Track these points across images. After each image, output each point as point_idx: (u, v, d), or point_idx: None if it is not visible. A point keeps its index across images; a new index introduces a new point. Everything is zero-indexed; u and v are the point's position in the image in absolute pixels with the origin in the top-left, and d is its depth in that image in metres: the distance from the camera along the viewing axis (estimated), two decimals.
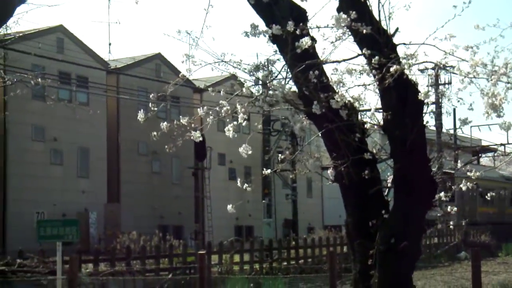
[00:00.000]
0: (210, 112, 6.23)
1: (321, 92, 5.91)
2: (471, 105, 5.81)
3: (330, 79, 6.15)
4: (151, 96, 6.30)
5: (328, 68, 6.29)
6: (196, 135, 6.32)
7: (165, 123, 6.25)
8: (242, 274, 18.59)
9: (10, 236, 30.86)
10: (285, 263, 22.36)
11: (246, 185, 6.77)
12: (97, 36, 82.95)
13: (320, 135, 6.43)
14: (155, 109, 6.24)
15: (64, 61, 30.57)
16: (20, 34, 20.05)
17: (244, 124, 6.21)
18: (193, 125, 6.34)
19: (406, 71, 5.76)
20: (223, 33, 49.76)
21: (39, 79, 7.04)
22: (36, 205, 31.45)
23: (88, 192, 34.35)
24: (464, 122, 5.92)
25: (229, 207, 6.69)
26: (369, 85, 6.06)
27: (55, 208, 32.01)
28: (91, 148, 35.00)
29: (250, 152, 6.28)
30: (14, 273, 15.83)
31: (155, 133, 6.35)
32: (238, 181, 6.77)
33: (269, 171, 7.64)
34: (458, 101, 5.85)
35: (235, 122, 6.23)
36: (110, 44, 48.17)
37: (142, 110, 6.33)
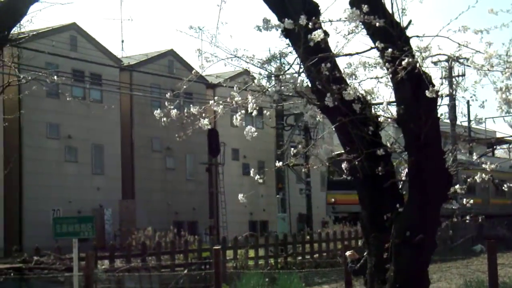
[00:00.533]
0: (221, 102, 6.22)
1: (333, 85, 5.90)
2: (483, 102, 5.78)
3: (343, 72, 6.14)
4: (167, 95, 6.29)
5: (341, 62, 6.28)
6: (204, 123, 6.28)
7: (175, 110, 6.24)
8: (257, 269, 18.61)
9: (26, 234, 31.11)
10: (300, 258, 22.37)
11: (258, 176, 6.78)
12: (110, 33, 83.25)
13: (333, 129, 6.41)
14: (171, 107, 6.23)
15: (77, 59, 30.72)
16: (34, 33, 20.15)
17: (254, 114, 6.19)
18: (204, 115, 6.33)
19: (420, 64, 5.73)
20: (236, 29, 49.74)
21: (55, 77, 7.09)
22: (51, 202, 31.68)
23: (103, 189, 34.52)
24: (479, 121, 5.92)
25: (240, 196, 6.67)
26: (381, 77, 6.04)
27: (71, 205, 32.22)
28: (105, 145, 35.17)
29: (255, 135, 6.25)
30: (31, 270, 15.96)
31: (164, 118, 6.32)
32: (252, 172, 6.79)
33: (281, 163, 7.63)
34: (471, 97, 5.83)
35: (243, 111, 6.20)
36: (123, 41, 48.51)
37: (158, 109, 6.33)
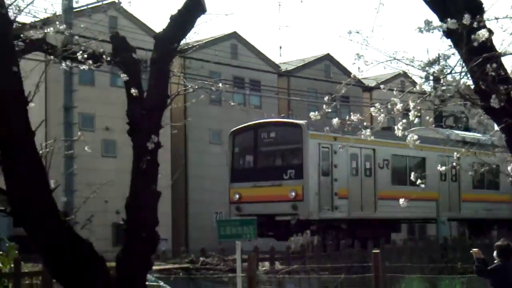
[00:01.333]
0: (381, 110, 6.22)
1: (499, 85, 5.71)
2: None
3: (509, 72, 5.93)
4: (325, 98, 6.41)
5: (506, 61, 6.07)
6: (367, 134, 6.33)
7: (336, 119, 6.34)
8: (417, 274, 18.22)
9: (191, 235, 32.55)
10: (461, 263, 21.60)
11: (419, 181, 6.72)
12: (268, 40, 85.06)
13: (499, 130, 6.20)
14: (328, 110, 6.34)
15: (238, 66, 31.68)
16: (199, 43, 21.16)
17: (416, 122, 6.14)
18: (365, 123, 6.37)
19: None
20: (392, 31, 49.02)
21: (220, 85, 7.48)
22: (214, 205, 32.85)
23: None
24: None
25: (402, 201, 6.62)
26: None
27: None
28: None
29: (417, 142, 6.20)
30: (198, 270, 16.73)
31: (327, 128, 6.46)
32: (412, 175, 6.72)
33: (444, 168, 7.45)
34: None
35: (404, 120, 6.17)
36: (280, 47, 49.29)
37: (316, 112, 6.47)
